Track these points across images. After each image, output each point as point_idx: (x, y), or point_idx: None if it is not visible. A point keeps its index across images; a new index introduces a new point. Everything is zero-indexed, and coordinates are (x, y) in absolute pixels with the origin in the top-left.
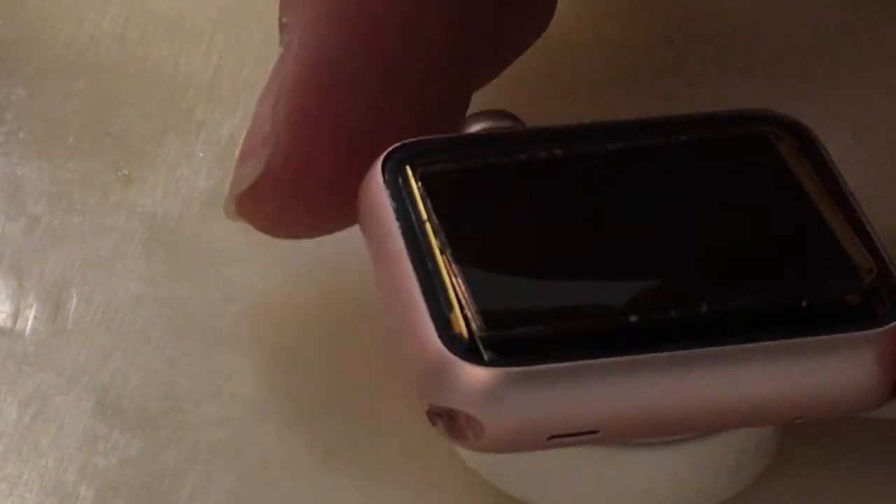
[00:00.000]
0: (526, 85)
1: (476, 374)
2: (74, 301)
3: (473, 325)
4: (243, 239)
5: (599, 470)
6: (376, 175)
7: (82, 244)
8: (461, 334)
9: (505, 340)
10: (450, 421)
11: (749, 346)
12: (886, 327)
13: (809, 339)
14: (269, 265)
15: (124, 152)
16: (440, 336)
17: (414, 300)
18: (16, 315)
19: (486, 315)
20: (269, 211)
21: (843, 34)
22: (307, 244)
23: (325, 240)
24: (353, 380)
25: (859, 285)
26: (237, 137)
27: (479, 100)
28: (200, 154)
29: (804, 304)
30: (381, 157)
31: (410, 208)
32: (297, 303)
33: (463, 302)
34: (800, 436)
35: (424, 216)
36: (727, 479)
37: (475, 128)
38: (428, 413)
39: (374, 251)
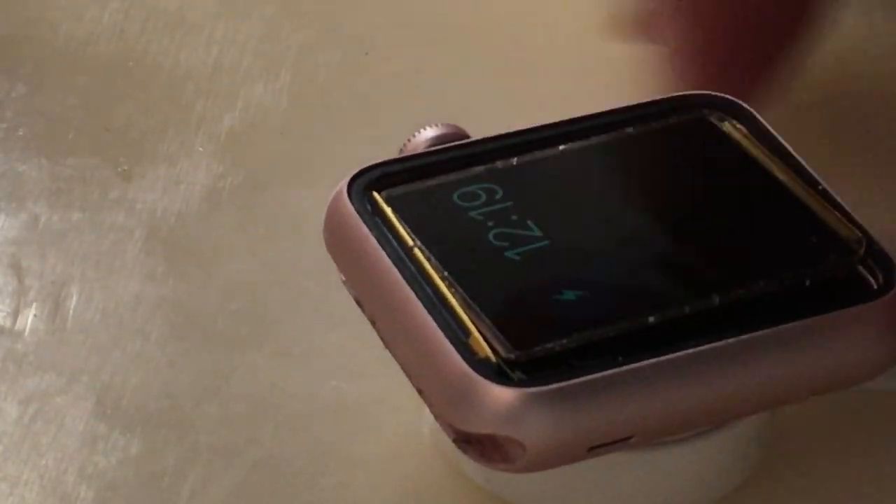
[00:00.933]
0: (528, 88)
1: (513, 397)
2: (74, 299)
3: (498, 347)
4: (243, 236)
5: (611, 472)
6: (345, 204)
7: (82, 241)
8: (487, 358)
9: (531, 358)
10: (483, 446)
11: (765, 332)
12: (888, 295)
13: (820, 317)
14: (269, 262)
15: (124, 148)
16: (467, 362)
17: (427, 329)
18: (16, 314)
19: (509, 335)
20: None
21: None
22: (306, 241)
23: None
24: (353, 379)
25: (854, 257)
26: (237, 131)
27: (479, 104)
28: (200, 149)
29: (807, 283)
30: (345, 186)
31: (391, 235)
32: (297, 301)
33: (479, 325)
34: (793, 419)
35: (410, 242)
36: (734, 470)
37: (422, 139)
38: (456, 441)
39: (358, 281)
